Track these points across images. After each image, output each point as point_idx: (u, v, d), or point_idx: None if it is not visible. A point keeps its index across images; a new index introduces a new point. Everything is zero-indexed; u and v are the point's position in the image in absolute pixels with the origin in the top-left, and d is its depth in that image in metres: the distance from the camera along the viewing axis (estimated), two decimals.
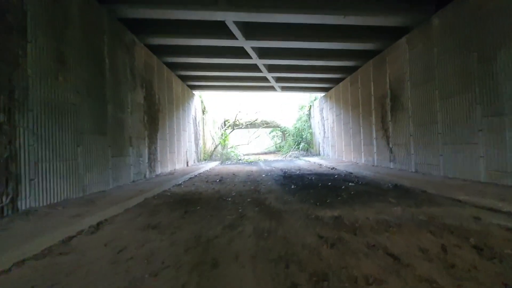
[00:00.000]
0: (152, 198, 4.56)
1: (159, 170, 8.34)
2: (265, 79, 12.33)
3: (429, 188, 4.60)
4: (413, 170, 6.63)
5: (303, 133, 17.94)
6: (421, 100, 6.31)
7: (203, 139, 16.03)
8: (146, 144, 7.51)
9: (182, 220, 3.21)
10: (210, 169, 10.52)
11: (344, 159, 11.46)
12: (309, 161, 12.94)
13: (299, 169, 9.16)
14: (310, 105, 17.06)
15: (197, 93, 15.22)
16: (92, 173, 4.97)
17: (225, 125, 19.85)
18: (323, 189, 5.10)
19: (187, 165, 11.62)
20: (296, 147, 18.03)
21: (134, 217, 3.38)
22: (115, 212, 3.60)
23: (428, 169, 6.12)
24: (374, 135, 8.63)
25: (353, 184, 5.56)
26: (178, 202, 4.26)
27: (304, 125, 17.91)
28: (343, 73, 11.03)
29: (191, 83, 12.64)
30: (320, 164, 10.68)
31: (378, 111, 8.28)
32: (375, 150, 8.59)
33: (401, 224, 2.82)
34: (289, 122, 20.42)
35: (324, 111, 14.38)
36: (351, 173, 7.55)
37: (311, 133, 17.01)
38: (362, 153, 9.54)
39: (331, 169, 8.94)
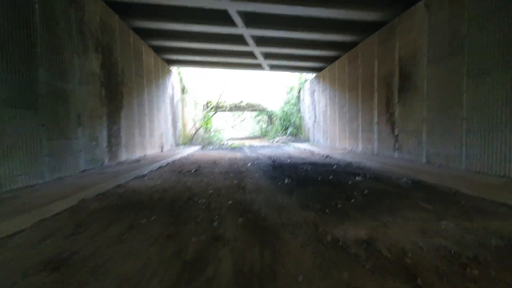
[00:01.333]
0: (94, 199, 3.25)
1: (123, 156, 6.94)
2: (252, 55, 10.92)
3: (462, 187, 3.58)
4: (424, 161, 5.65)
5: (291, 117, 16.79)
6: (441, 78, 5.23)
7: (183, 121, 14.54)
8: (105, 125, 6.06)
9: (116, 246, 1.96)
10: (188, 155, 9.20)
11: (337, 146, 10.46)
12: (298, 147, 11.88)
13: (290, 157, 8.04)
14: (300, 87, 15.84)
15: (175, 69, 13.58)
16: (13, 162, 3.57)
17: (207, 107, 18.33)
18: (326, 185, 3.98)
19: (162, 150, 10.22)
20: (284, 132, 16.92)
21: (41, 239, 2.09)
22: (18, 227, 2.30)
23: (445, 160, 5.15)
24: (375, 120, 7.59)
25: (360, 178, 4.48)
26: (128, 206, 2.99)
27: (293, 108, 16.74)
28: (340, 50, 9.81)
29: (167, 57, 11.02)
30: (312, 152, 9.62)
31: (383, 93, 7.19)
32: (376, 137, 7.58)
33: (478, 259, 1.72)
34: (277, 105, 19.17)
35: (315, 93, 13.22)
36: (351, 163, 6.50)
37: (300, 118, 15.90)
38: (360, 140, 8.53)
39: (326, 157, 7.88)
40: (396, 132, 6.62)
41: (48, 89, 4.27)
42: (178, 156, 8.34)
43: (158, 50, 10.13)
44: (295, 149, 11.26)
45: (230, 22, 7.73)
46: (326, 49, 9.87)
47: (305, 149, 10.80)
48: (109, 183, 4.03)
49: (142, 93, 8.50)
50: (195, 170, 5.44)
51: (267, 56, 11.32)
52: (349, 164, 6.29)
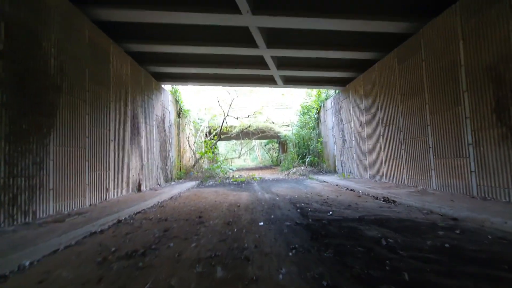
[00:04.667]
0: None
1: (50, 209, 4.10)
2: (262, 62, 8.42)
3: None
4: None
5: (310, 143, 13.90)
6: None
7: (178, 151, 11.86)
8: None
9: None
10: (170, 198, 6.29)
11: (385, 179, 7.38)
12: (325, 181, 8.83)
13: (326, 202, 5.01)
14: (320, 106, 13.13)
15: (169, 88, 11.22)
16: None
17: (210, 133, 15.75)
18: None
19: (139, 189, 7.37)
20: (301, 161, 13.94)
21: None
22: None
23: None
24: (468, 140, 4.60)
25: None
26: None
27: (311, 133, 13.91)
28: (380, 49, 7.16)
29: (155, 69, 8.61)
30: (353, 190, 6.55)
31: (484, 94, 4.30)
32: (472, 167, 4.54)
33: None
34: (291, 129, 16.41)
35: (342, 111, 10.42)
36: (456, 219, 3.41)
37: (321, 143, 12.98)
38: (433, 172, 5.47)
39: (386, 202, 4.81)
40: None
41: None
42: (152, 202, 5.45)
43: (141, 58, 7.73)
44: (322, 184, 8.20)
45: (232, 3, 5.27)
46: (361, 48, 7.24)
47: (337, 185, 7.74)
48: None
49: (105, 110, 5.88)
50: (143, 253, 2.47)
51: (280, 64, 8.79)
52: (463, 226, 3.18)
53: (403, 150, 6.48)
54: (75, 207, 4.68)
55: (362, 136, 8.74)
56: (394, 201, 4.77)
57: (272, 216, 3.92)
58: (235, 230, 3.21)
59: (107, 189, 5.79)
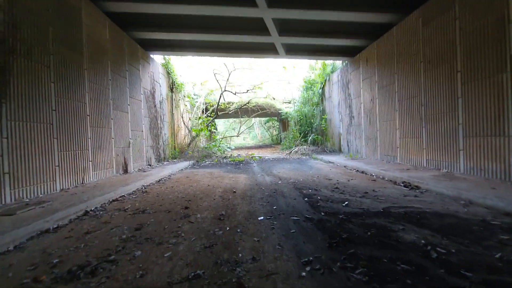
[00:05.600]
0: None
1: (6, 196, 3.36)
2: (262, 26, 7.36)
3: None
4: None
5: (312, 120, 13.05)
6: None
7: (172, 128, 11.04)
8: None
9: None
10: (158, 181, 5.56)
11: (398, 160, 6.64)
12: (331, 162, 8.10)
13: (337, 187, 4.27)
14: (325, 80, 12.12)
15: (158, 58, 10.19)
16: None
17: (206, 110, 14.83)
18: None
19: (126, 170, 6.64)
20: (303, 140, 13.17)
21: None
22: None
23: None
24: None
25: None
26: None
27: (315, 109, 13.00)
28: (399, 9, 6.13)
29: (140, 36, 7.57)
30: (363, 172, 5.82)
31: None
32: None
33: None
34: (292, 106, 15.46)
35: (351, 85, 9.47)
36: None
37: (325, 120, 12.12)
38: (461, 153, 4.70)
39: (410, 189, 4.08)
40: None
41: None
42: (135, 186, 4.71)
43: (123, 21, 6.68)
44: (330, 166, 7.47)
45: None
46: (377, 8, 6.20)
47: (345, 166, 7.01)
48: None
49: (78, 79, 4.98)
50: (93, 270, 1.72)
51: (283, 29, 7.72)
52: None
53: (423, 128, 5.67)
54: (42, 193, 3.96)
55: (373, 112, 7.88)
56: (418, 187, 4.04)
57: (275, 207, 3.19)
58: (228, 228, 2.48)
59: (84, 171, 5.05)
